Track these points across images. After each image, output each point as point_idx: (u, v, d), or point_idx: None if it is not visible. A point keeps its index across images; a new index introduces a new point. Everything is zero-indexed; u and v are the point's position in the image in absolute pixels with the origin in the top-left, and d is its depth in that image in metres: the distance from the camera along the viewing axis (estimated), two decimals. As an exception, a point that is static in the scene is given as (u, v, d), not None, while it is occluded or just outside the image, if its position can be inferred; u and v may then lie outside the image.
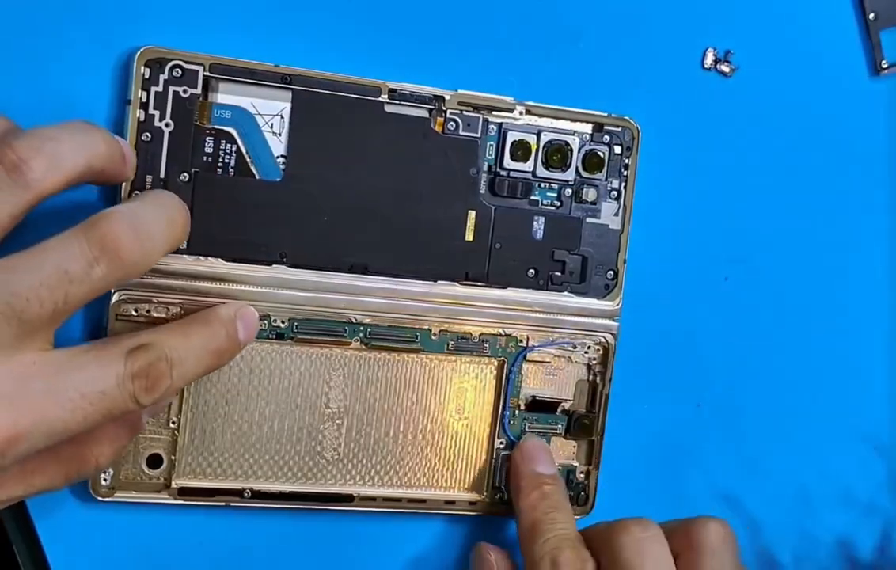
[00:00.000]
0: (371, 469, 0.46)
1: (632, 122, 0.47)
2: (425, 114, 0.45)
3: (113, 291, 0.42)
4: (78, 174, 0.38)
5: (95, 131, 0.39)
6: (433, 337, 0.46)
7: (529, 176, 0.46)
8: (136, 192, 0.41)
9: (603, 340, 0.47)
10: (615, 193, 0.47)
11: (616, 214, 0.47)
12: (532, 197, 0.46)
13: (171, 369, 0.39)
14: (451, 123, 0.45)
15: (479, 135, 0.45)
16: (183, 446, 0.44)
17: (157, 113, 0.42)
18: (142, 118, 0.41)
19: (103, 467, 0.41)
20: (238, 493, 0.44)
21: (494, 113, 0.45)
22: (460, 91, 0.45)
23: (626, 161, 0.47)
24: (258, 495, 0.45)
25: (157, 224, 0.39)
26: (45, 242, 0.37)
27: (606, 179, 0.47)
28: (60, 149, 0.37)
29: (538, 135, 0.46)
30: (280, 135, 0.43)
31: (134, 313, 0.42)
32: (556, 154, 0.46)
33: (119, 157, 0.40)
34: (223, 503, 0.44)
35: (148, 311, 0.42)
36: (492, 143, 0.46)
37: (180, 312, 0.42)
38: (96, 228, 0.37)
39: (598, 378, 0.48)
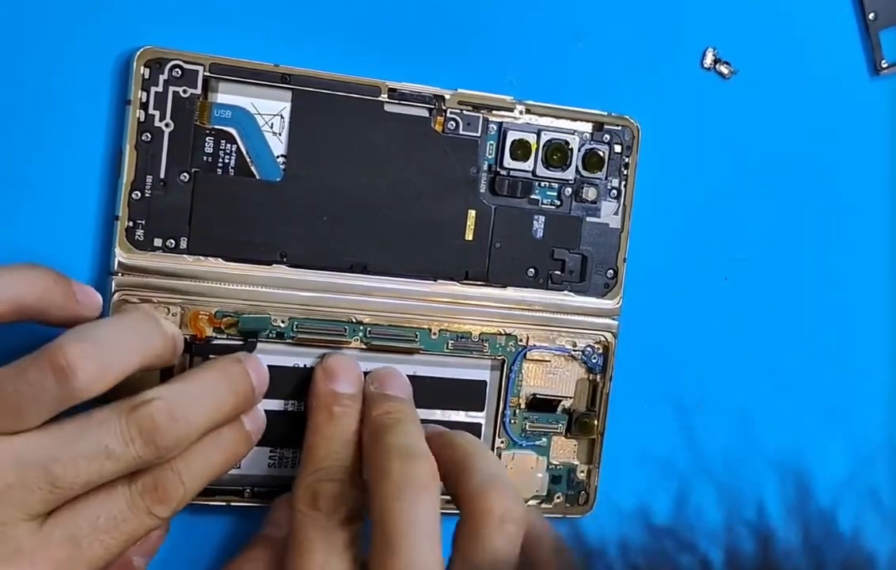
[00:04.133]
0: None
1: (632, 121, 0.47)
2: (425, 113, 0.45)
3: (114, 289, 0.42)
4: (129, 373, 0.38)
5: (152, 326, 0.40)
6: (433, 336, 0.46)
7: (529, 175, 0.46)
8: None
9: (603, 339, 0.47)
10: (615, 191, 0.47)
11: (616, 213, 0.47)
12: (532, 196, 0.46)
13: (180, 476, 0.39)
14: (451, 122, 0.45)
15: (479, 134, 0.45)
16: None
17: (157, 113, 0.42)
18: (142, 118, 0.41)
19: None
20: (238, 492, 0.44)
21: (494, 112, 0.46)
22: (460, 90, 0.45)
23: (626, 160, 0.47)
24: (258, 495, 0.45)
25: (198, 410, 0.39)
26: (89, 414, 0.37)
27: (606, 178, 0.47)
28: (111, 355, 0.38)
29: (538, 134, 0.46)
30: (280, 135, 0.43)
31: None
32: (556, 153, 0.46)
33: (171, 349, 0.41)
34: (223, 503, 0.44)
35: (148, 310, 0.42)
36: (492, 142, 0.46)
37: (181, 312, 0.43)
38: (137, 411, 0.37)
39: (598, 377, 0.48)
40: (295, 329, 0.44)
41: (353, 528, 0.41)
